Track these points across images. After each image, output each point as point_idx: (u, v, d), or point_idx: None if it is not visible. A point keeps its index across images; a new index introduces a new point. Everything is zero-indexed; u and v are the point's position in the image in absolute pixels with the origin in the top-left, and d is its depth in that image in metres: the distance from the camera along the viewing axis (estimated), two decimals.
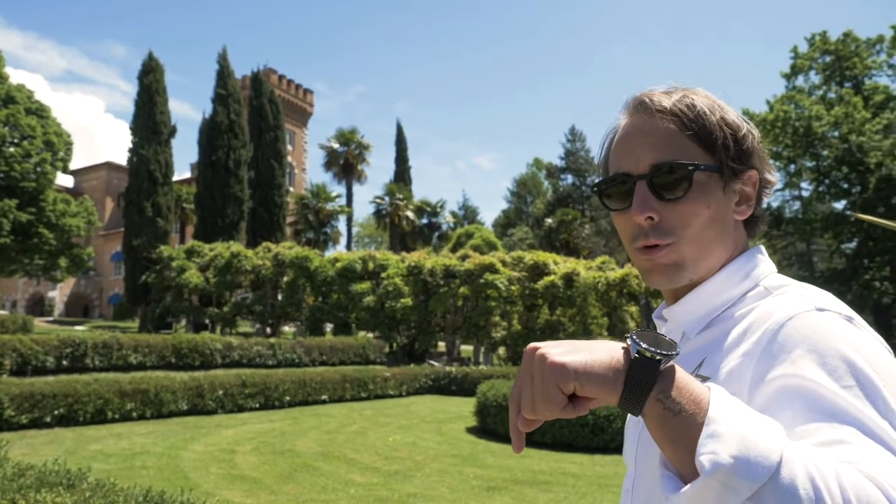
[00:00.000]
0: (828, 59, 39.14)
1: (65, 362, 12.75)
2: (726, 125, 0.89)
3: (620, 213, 0.93)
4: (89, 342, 13.30)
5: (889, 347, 0.75)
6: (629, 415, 1.01)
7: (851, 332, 0.73)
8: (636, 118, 0.92)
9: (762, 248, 0.95)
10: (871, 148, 33.93)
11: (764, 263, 0.92)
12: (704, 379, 0.78)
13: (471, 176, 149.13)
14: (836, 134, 36.01)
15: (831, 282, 38.61)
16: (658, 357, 0.63)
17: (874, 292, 36.77)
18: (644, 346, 0.63)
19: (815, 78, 40.23)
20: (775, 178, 0.96)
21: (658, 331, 1.02)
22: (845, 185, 38.43)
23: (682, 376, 0.64)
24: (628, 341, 0.66)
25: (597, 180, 0.99)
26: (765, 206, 0.98)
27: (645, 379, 0.63)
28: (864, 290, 36.70)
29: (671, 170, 0.87)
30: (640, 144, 0.90)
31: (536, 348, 0.68)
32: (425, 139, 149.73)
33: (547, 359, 0.66)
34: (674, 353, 0.64)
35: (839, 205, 39.69)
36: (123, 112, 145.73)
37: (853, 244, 39.59)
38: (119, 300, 49.24)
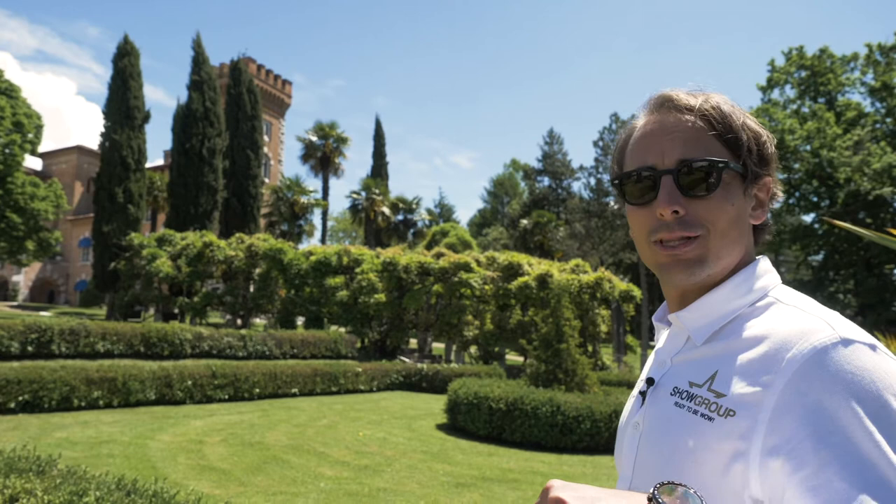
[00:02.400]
0: (803, 73, 39.94)
1: (30, 348, 12.48)
2: (749, 129, 0.91)
3: (639, 207, 0.93)
4: (56, 328, 13.04)
5: None
6: (627, 415, 1.03)
7: (882, 370, 0.72)
8: (661, 115, 0.93)
9: (766, 258, 0.95)
10: (841, 163, 34.73)
11: (771, 273, 0.93)
12: (720, 395, 0.80)
13: (448, 174, 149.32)
14: (808, 148, 36.79)
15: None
16: None
17: (838, 304, 37.68)
18: None
19: (790, 92, 41.03)
20: (780, 190, 0.97)
21: (658, 334, 1.03)
22: (815, 199, 39.28)
23: None
24: (653, 501, 0.65)
25: (612, 175, 0.99)
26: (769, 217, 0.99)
27: None
28: (828, 301, 37.54)
29: (701, 167, 0.87)
30: (666, 140, 0.91)
31: (558, 498, 0.66)
32: (403, 135, 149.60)
33: None
34: None
35: (808, 217, 40.57)
36: (96, 95, 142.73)
37: (820, 256, 40.50)
38: (86, 287, 48.39)
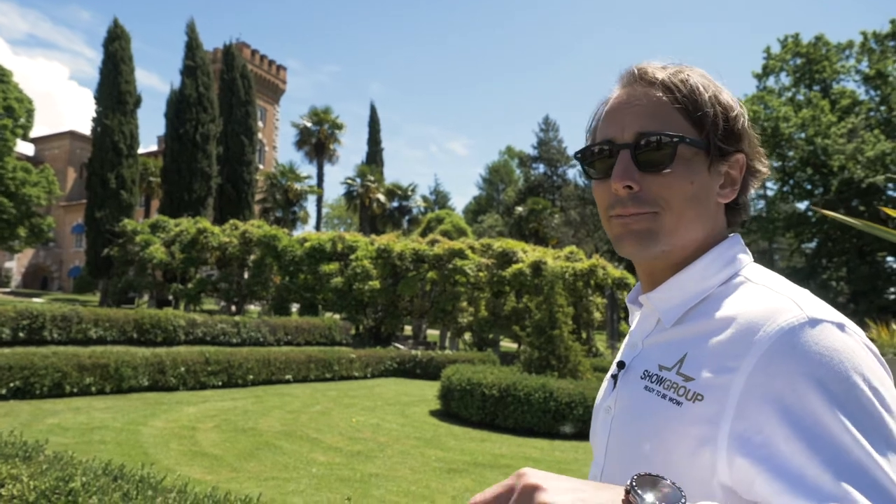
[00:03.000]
0: (799, 61, 39.89)
1: (21, 334, 12.44)
2: (718, 104, 0.87)
3: (601, 181, 0.91)
4: (48, 314, 12.99)
5: (876, 351, 0.73)
6: (600, 398, 1.02)
7: (850, 350, 0.70)
8: (630, 88, 0.91)
9: (739, 237, 0.93)
10: (835, 151, 34.77)
11: (742, 252, 0.90)
12: (688, 379, 0.78)
13: (443, 161, 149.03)
14: (803, 136, 36.81)
15: (790, 280, 39.60)
16: None
17: (831, 291, 37.85)
18: (649, 499, 0.60)
19: (785, 79, 40.99)
20: (766, 167, 0.94)
21: (632, 316, 1.01)
22: (808, 186, 39.36)
23: None
24: (631, 494, 0.61)
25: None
26: (753, 195, 0.96)
27: None
28: (821, 289, 37.72)
29: (656, 141, 0.85)
30: (627, 113, 0.89)
31: (536, 485, 0.62)
32: (399, 122, 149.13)
33: (537, 496, 0.61)
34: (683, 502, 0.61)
35: (802, 205, 40.66)
36: (88, 80, 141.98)
37: (813, 244, 40.65)
38: (79, 273, 48.24)
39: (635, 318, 0.99)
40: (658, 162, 0.85)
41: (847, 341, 0.71)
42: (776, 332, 0.72)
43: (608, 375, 1.00)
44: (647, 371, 0.87)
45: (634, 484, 0.62)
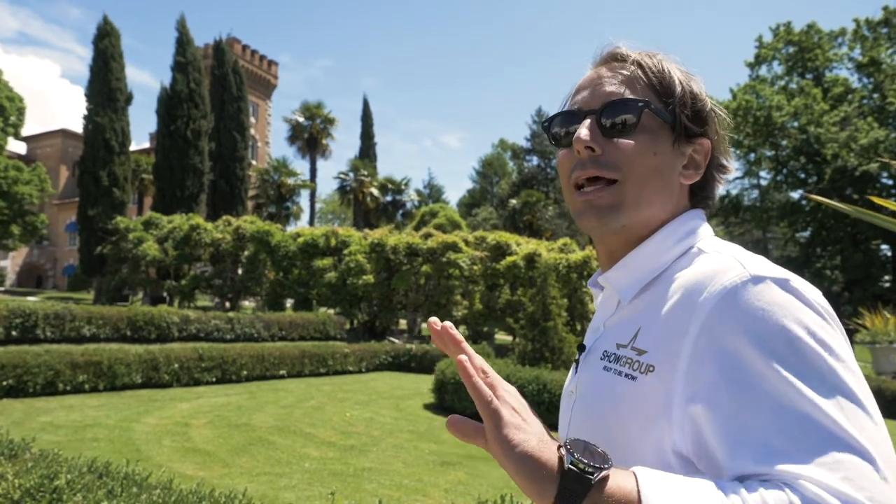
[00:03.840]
0: (791, 49, 39.89)
1: (14, 333, 12.39)
2: (686, 83, 0.89)
3: (565, 148, 0.92)
4: (40, 313, 12.94)
5: (826, 307, 0.73)
6: (565, 388, 1.02)
7: (793, 305, 0.70)
8: (600, 66, 0.92)
9: (701, 211, 0.92)
10: (828, 139, 34.83)
11: (701, 226, 0.89)
12: (641, 353, 0.78)
13: (437, 154, 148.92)
14: (796, 124, 36.86)
15: (785, 268, 39.78)
16: (590, 471, 0.63)
17: (825, 280, 37.97)
18: (578, 459, 0.64)
19: (777, 68, 41.00)
20: (731, 164, 0.94)
21: (595, 300, 1.01)
22: (802, 175, 39.44)
23: (613, 483, 0.64)
24: (562, 450, 0.66)
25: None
26: (721, 192, 0.97)
27: (577, 491, 0.63)
28: (815, 277, 37.84)
29: (621, 104, 0.85)
30: (597, 85, 0.89)
31: (497, 410, 0.68)
32: (392, 116, 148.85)
33: (500, 428, 0.67)
34: (606, 466, 0.64)
35: (795, 194, 40.75)
36: (80, 77, 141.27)
37: (807, 233, 40.76)
38: (74, 271, 48.08)
39: (597, 301, 0.99)
40: (622, 126, 0.85)
41: (789, 297, 0.71)
42: (720, 291, 0.72)
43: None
44: (606, 351, 0.86)
45: (568, 444, 0.66)
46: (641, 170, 0.85)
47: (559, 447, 0.67)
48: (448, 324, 0.77)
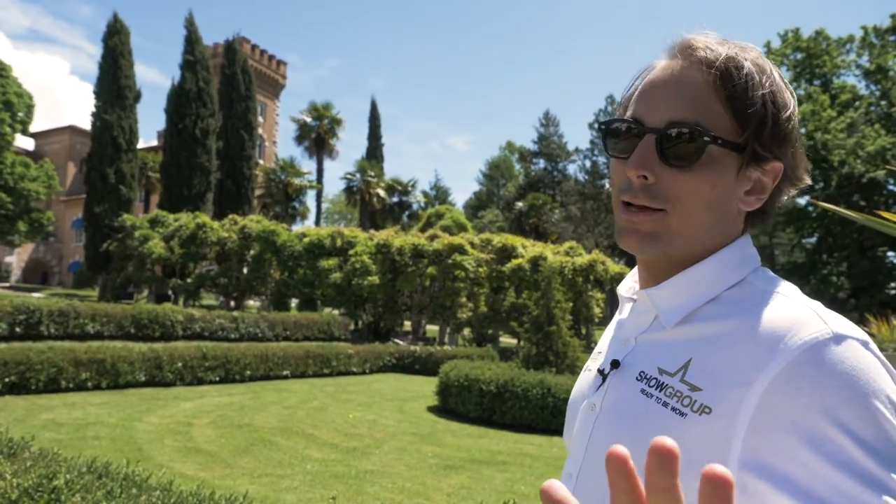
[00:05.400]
0: (799, 56, 39.78)
1: (18, 329, 12.40)
2: (773, 102, 0.76)
3: (619, 161, 0.82)
4: (44, 309, 12.95)
5: (890, 365, 0.67)
6: (580, 392, 0.95)
7: (876, 370, 0.65)
8: (672, 63, 0.80)
9: (749, 237, 0.84)
10: (836, 146, 34.69)
11: (753, 254, 0.82)
12: (695, 389, 0.72)
13: (444, 156, 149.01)
14: (803, 130, 36.68)
15: (791, 275, 39.55)
16: None
17: (831, 286, 37.82)
18: None
19: (785, 74, 40.70)
20: (807, 177, 0.84)
21: (621, 308, 0.94)
22: (809, 181, 39.28)
23: None
24: None
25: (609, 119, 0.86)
26: (784, 202, 0.86)
27: None
28: (821, 283, 37.69)
29: (686, 134, 0.75)
30: (665, 93, 0.79)
31: None
32: (399, 117, 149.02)
33: None
34: None
35: (802, 200, 40.58)
36: (89, 75, 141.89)
37: (813, 239, 40.59)
38: (79, 268, 48.23)
39: (625, 309, 0.92)
40: (682, 157, 0.76)
41: (871, 360, 0.65)
42: (798, 347, 0.66)
43: (590, 366, 0.94)
44: (643, 373, 0.80)
45: None
46: (693, 205, 0.77)
47: None
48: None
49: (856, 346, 0.65)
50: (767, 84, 0.76)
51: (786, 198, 0.85)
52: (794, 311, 0.70)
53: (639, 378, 0.80)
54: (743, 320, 0.72)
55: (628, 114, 0.84)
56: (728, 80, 0.75)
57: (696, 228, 0.78)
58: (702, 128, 0.75)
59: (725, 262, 0.79)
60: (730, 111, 0.76)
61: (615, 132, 0.83)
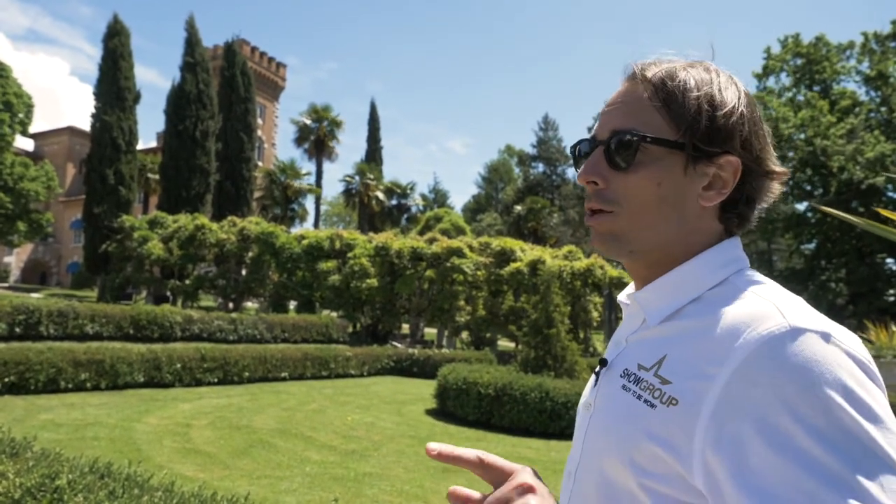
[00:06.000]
0: (799, 61, 39.86)
1: (17, 329, 12.41)
2: (707, 102, 0.83)
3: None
4: (44, 310, 12.96)
5: (867, 359, 0.69)
6: (584, 395, 1.01)
7: (832, 362, 0.67)
8: (623, 85, 0.90)
9: (738, 240, 0.89)
10: (835, 152, 34.75)
11: (737, 255, 0.87)
12: (665, 382, 0.76)
13: (443, 159, 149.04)
14: (802, 136, 36.78)
15: (789, 281, 39.59)
16: None
17: (830, 292, 37.84)
18: None
19: (785, 80, 40.96)
20: (777, 165, 0.88)
21: (623, 313, 0.99)
22: (808, 187, 39.35)
23: None
24: None
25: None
26: (770, 201, 0.90)
27: None
28: (820, 290, 37.71)
29: (621, 138, 0.84)
30: (612, 111, 0.88)
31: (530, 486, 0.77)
32: (398, 120, 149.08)
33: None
34: None
35: (801, 206, 40.64)
36: (89, 76, 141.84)
37: (812, 245, 40.63)
38: (78, 268, 48.20)
39: (624, 314, 0.98)
40: (622, 160, 0.84)
41: (830, 352, 0.68)
42: (755, 341, 0.69)
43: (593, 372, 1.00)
44: (626, 370, 0.85)
45: None
46: (639, 202, 0.84)
47: None
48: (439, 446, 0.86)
49: (814, 338, 0.68)
50: (704, 89, 0.83)
51: (771, 195, 0.90)
52: (756, 306, 0.74)
53: (622, 375, 0.85)
54: (713, 318, 0.76)
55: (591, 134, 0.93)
56: (662, 88, 0.84)
57: (650, 224, 0.84)
58: (637, 130, 0.83)
59: (708, 263, 0.84)
60: (665, 115, 0.83)
61: (579, 153, 0.94)
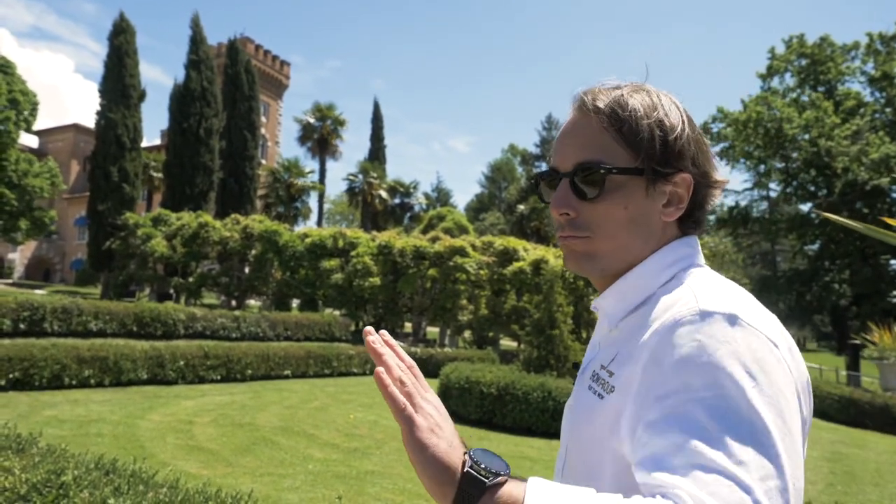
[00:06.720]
0: (804, 62, 39.75)
1: (22, 326, 12.43)
2: (658, 127, 0.89)
3: (549, 206, 0.97)
4: (48, 306, 12.98)
5: (773, 340, 0.76)
6: (567, 401, 1.06)
7: (732, 343, 0.73)
8: (575, 114, 0.95)
9: (691, 239, 0.95)
10: (839, 153, 34.65)
11: (687, 254, 0.93)
12: (611, 374, 0.86)
13: (446, 158, 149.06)
14: (807, 137, 36.66)
15: (793, 282, 39.50)
16: (485, 475, 0.71)
17: (833, 294, 37.74)
18: (476, 464, 0.72)
19: (790, 80, 40.85)
20: (722, 176, 0.96)
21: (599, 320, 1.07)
22: (812, 188, 39.24)
23: (505, 490, 0.71)
24: (465, 456, 0.74)
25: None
26: (717, 203, 0.98)
27: (472, 494, 0.71)
28: (823, 291, 37.64)
29: (589, 170, 0.89)
30: (569, 143, 0.94)
31: (411, 416, 0.76)
32: (401, 118, 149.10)
33: (413, 431, 0.75)
34: (503, 473, 0.72)
35: (805, 207, 40.54)
36: (94, 73, 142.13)
37: (816, 246, 40.52)
38: (81, 265, 48.33)
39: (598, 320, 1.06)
40: (590, 191, 0.90)
41: (731, 333, 0.74)
42: (666, 324, 0.78)
43: None
44: (594, 372, 0.93)
45: (471, 451, 0.75)
46: (611, 226, 0.91)
47: (464, 453, 0.75)
48: (384, 332, 0.85)
49: (718, 319, 0.75)
50: (654, 115, 0.90)
51: (716, 201, 0.97)
52: (678, 293, 0.83)
53: (591, 377, 0.93)
54: (651, 310, 0.85)
55: (550, 164, 0.99)
56: (615, 119, 0.90)
57: (622, 244, 0.91)
58: (602, 162, 0.89)
59: (656, 264, 0.92)
60: (622, 144, 0.89)
61: (541, 184, 1.01)
